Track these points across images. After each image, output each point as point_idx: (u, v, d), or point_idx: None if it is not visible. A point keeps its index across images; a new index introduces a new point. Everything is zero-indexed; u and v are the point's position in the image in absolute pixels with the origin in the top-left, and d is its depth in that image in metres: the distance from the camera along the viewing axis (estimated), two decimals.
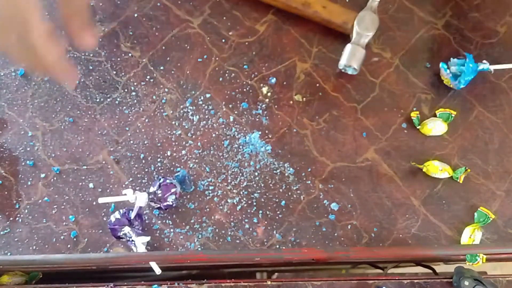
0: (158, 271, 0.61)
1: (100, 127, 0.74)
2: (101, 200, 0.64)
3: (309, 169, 0.72)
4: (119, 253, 0.68)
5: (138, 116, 0.74)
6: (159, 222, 0.70)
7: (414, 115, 0.73)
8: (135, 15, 0.79)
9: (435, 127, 0.72)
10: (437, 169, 0.70)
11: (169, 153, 0.73)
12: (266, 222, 0.70)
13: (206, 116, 0.74)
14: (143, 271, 0.78)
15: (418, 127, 0.73)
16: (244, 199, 0.71)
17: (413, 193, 0.71)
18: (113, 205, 0.70)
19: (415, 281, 0.63)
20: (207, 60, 0.77)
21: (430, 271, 0.71)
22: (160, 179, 0.68)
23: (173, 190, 0.67)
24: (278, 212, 0.70)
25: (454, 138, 0.73)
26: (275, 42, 0.77)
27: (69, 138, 0.74)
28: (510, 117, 0.74)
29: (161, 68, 0.76)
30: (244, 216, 0.70)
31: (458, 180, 0.70)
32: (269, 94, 0.75)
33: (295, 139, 0.73)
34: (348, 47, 0.72)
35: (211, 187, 0.71)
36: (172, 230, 0.70)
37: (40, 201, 0.71)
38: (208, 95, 0.75)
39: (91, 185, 0.71)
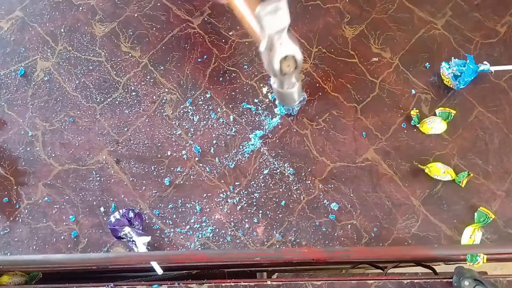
0: (159, 271, 0.61)
1: (100, 127, 0.74)
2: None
3: (309, 169, 0.72)
4: (119, 253, 0.68)
5: (138, 116, 0.74)
6: (159, 222, 0.70)
7: (413, 113, 0.73)
8: (135, 15, 0.79)
9: (435, 125, 0.72)
10: (439, 171, 0.70)
11: (169, 153, 0.73)
12: (266, 222, 0.70)
13: (206, 116, 0.74)
14: (143, 271, 0.78)
15: (417, 125, 0.73)
16: (244, 199, 0.71)
17: (413, 193, 0.71)
18: (113, 205, 0.71)
19: (415, 281, 0.63)
20: (207, 60, 0.77)
21: (430, 271, 0.70)
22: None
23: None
24: (278, 212, 0.70)
25: (454, 138, 0.73)
26: None
27: (69, 138, 0.74)
28: (510, 117, 0.74)
29: (161, 68, 0.76)
30: (244, 216, 0.70)
31: (461, 184, 0.70)
32: (269, 94, 0.75)
33: (295, 139, 0.73)
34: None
35: (211, 187, 0.71)
36: (172, 230, 0.70)
37: (40, 201, 0.71)
38: (208, 95, 0.75)
39: (91, 185, 0.71)
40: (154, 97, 0.75)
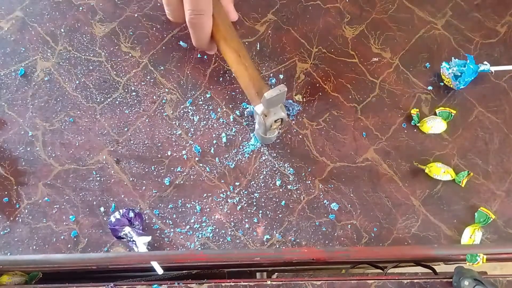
0: (160, 271, 0.61)
1: (100, 127, 0.74)
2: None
3: (309, 169, 0.72)
4: (119, 253, 0.68)
5: (138, 116, 0.74)
6: (159, 222, 0.70)
7: (414, 112, 0.73)
8: (135, 15, 0.79)
9: (435, 124, 0.72)
10: (439, 171, 0.70)
11: (169, 153, 0.73)
12: (266, 222, 0.70)
13: (206, 116, 0.74)
14: (143, 271, 0.78)
15: (417, 125, 0.73)
16: (244, 199, 0.71)
17: (413, 193, 0.71)
18: (113, 205, 0.71)
19: (415, 281, 0.63)
20: (207, 60, 0.77)
21: (430, 271, 0.70)
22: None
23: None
24: (278, 212, 0.70)
25: (454, 138, 0.73)
26: (275, 42, 0.77)
27: (69, 138, 0.74)
28: (510, 117, 0.74)
29: (161, 68, 0.76)
30: (244, 216, 0.70)
31: (461, 184, 0.70)
32: None
33: (295, 139, 0.73)
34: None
35: (211, 187, 0.71)
36: (172, 230, 0.70)
37: (40, 201, 0.71)
38: (208, 95, 0.75)
39: (91, 185, 0.71)
40: (154, 97, 0.75)
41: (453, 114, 0.73)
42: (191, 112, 0.74)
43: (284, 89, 0.58)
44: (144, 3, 0.79)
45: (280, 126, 0.65)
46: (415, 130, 0.73)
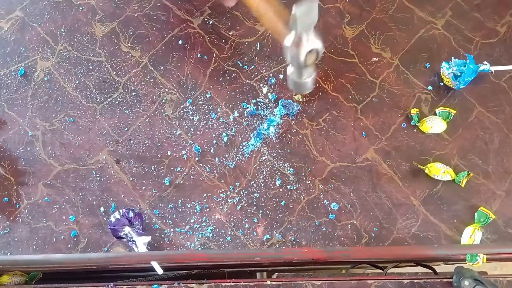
0: (160, 271, 0.61)
1: (100, 127, 0.74)
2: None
3: (309, 169, 0.72)
4: (119, 253, 0.68)
5: (138, 116, 0.74)
6: (159, 222, 0.70)
7: (414, 111, 0.73)
8: (135, 15, 0.79)
9: (434, 124, 0.72)
10: (439, 171, 0.70)
11: (169, 153, 0.73)
12: (266, 222, 0.70)
13: (206, 116, 0.74)
14: (143, 271, 0.78)
15: (417, 124, 0.73)
16: (244, 199, 0.71)
17: (413, 193, 0.71)
18: (113, 205, 0.71)
19: (415, 281, 0.63)
20: (207, 60, 0.77)
21: (430, 271, 0.70)
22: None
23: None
24: (278, 212, 0.70)
25: (454, 138, 0.73)
26: (275, 42, 0.77)
27: (69, 138, 0.74)
28: (510, 117, 0.74)
29: (161, 68, 0.76)
30: (244, 215, 0.70)
31: (460, 184, 0.70)
32: (269, 94, 0.75)
33: (295, 139, 0.73)
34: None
35: (211, 187, 0.71)
36: (172, 230, 0.70)
37: (40, 201, 0.71)
38: (208, 95, 0.75)
39: (91, 185, 0.71)
40: (154, 97, 0.75)
41: (453, 114, 0.73)
42: (191, 112, 0.74)
43: (315, 2, 0.54)
44: (144, 3, 0.79)
45: (317, 61, 0.60)
46: (415, 130, 0.73)
